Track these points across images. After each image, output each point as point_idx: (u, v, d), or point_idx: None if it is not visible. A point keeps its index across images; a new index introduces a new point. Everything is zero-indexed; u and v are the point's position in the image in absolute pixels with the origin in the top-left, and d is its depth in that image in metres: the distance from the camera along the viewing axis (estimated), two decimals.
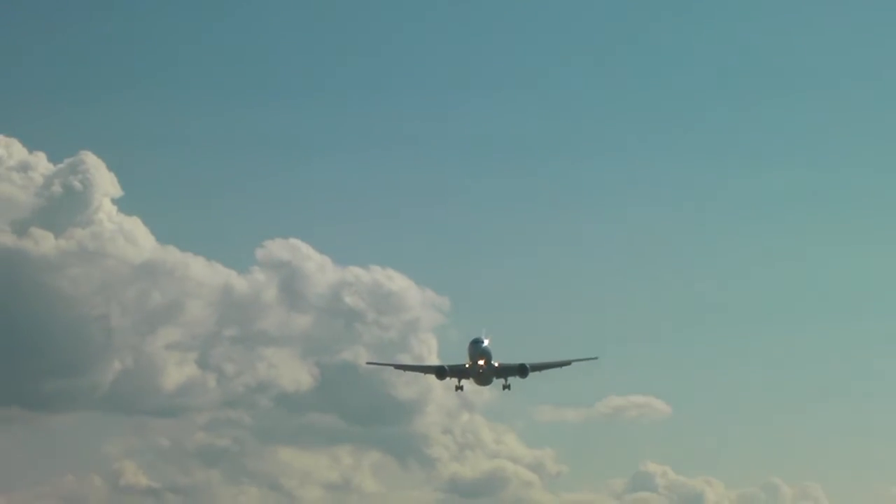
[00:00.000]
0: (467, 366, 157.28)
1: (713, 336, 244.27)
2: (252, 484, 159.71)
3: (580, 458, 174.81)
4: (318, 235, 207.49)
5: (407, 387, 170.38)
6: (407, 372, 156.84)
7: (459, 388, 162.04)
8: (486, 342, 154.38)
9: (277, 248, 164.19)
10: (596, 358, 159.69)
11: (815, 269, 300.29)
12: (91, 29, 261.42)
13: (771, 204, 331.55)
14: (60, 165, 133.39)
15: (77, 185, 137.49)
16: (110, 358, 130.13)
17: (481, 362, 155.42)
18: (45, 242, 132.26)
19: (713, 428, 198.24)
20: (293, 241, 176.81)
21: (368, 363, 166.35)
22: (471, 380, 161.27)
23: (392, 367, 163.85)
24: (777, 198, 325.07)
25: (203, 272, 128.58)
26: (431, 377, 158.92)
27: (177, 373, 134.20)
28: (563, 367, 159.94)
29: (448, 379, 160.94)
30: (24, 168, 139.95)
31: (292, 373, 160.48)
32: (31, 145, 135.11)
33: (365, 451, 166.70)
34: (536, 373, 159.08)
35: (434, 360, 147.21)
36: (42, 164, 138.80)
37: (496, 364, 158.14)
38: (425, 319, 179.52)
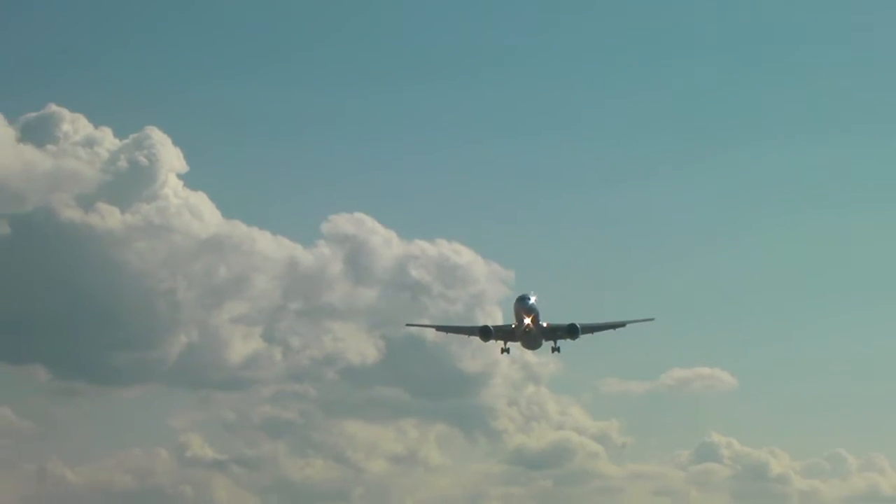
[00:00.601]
0: (514, 326, 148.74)
1: (778, 307, 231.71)
2: (318, 456, 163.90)
3: (645, 429, 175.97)
4: (384, 209, 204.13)
5: (472, 359, 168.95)
6: (464, 338, 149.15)
7: (506, 350, 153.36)
8: (532, 299, 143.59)
9: (343, 222, 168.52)
10: (653, 319, 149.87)
11: (882, 244, 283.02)
12: (156, 5, 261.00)
13: (840, 177, 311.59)
14: (126, 141, 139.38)
15: (143, 160, 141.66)
16: (177, 332, 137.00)
17: (528, 320, 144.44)
18: (111, 217, 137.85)
19: (778, 399, 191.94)
20: (358, 215, 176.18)
21: (408, 325, 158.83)
22: (518, 343, 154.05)
23: (435, 329, 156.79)
24: (849, 171, 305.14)
25: (269, 246, 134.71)
26: (476, 339, 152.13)
27: (243, 346, 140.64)
28: (618, 330, 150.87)
29: (493, 341, 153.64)
30: (90, 143, 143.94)
31: (358, 346, 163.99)
32: (97, 121, 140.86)
33: (430, 424, 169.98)
34: (589, 335, 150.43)
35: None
36: (108, 139, 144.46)
37: (544, 324, 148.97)
38: (490, 292, 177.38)
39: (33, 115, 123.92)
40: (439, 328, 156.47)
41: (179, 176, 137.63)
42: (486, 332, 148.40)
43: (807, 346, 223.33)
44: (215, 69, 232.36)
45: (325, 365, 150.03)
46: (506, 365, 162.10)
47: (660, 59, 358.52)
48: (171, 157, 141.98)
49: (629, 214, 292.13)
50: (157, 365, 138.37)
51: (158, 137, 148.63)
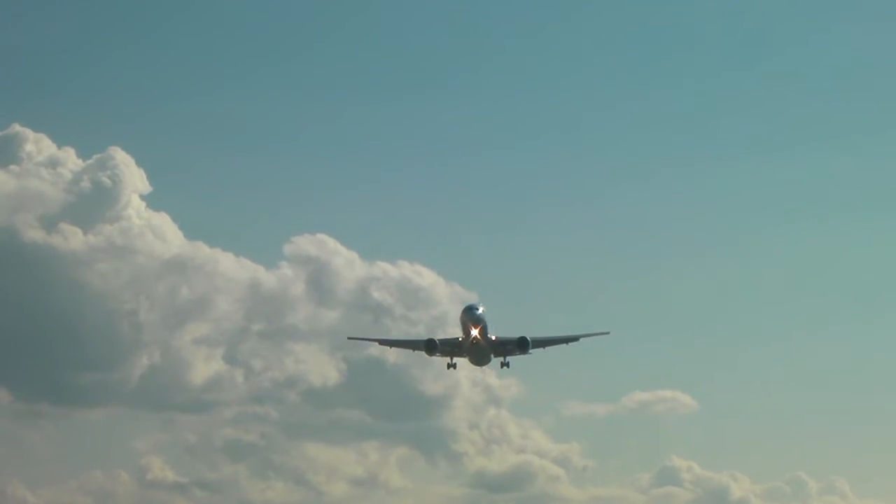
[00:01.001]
0: (460, 339, 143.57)
1: (739, 329, 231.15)
2: (279, 479, 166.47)
3: (606, 452, 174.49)
4: (346, 231, 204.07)
5: (434, 382, 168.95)
6: (425, 360, 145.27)
7: (452, 365, 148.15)
8: (480, 309, 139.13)
9: (305, 244, 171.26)
10: (607, 333, 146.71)
11: (844, 264, 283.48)
12: (118, 25, 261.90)
13: (798, 195, 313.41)
14: (90, 161, 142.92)
15: (106, 180, 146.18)
16: (139, 353, 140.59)
17: (475, 332, 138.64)
18: (73, 238, 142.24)
19: (739, 423, 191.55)
20: (321, 236, 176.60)
21: (350, 338, 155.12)
22: (466, 358, 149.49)
23: (378, 343, 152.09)
24: (805, 188, 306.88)
25: (231, 268, 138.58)
26: (435, 360, 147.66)
27: (204, 368, 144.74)
28: (581, 351, 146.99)
29: (440, 357, 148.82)
30: (53, 164, 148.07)
31: (320, 368, 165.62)
32: (60, 141, 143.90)
33: (392, 447, 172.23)
34: (541, 350, 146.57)
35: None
36: (72, 159, 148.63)
37: (493, 337, 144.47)
38: (453, 314, 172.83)
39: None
40: (382, 342, 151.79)
41: (142, 197, 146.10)
42: (431, 346, 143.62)
43: (768, 370, 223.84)
44: (179, 90, 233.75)
45: (287, 387, 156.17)
46: (467, 388, 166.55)
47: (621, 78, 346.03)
48: (134, 178, 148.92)
49: (594, 232, 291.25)
50: (119, 386, 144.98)
51: (122, 158, 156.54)
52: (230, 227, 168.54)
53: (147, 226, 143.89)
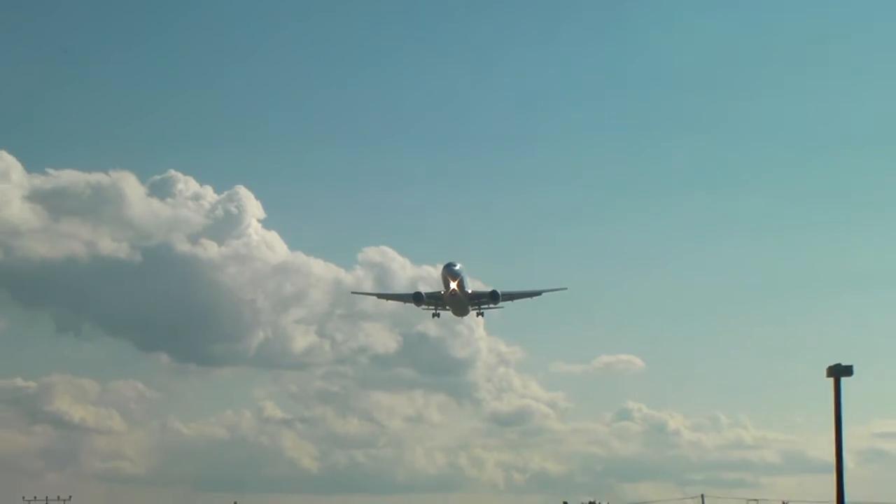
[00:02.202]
0: (442, 292, 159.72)
1: (679, 303, 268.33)
2: (354, 417, 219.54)
3: (581, 398, 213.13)
4: (401, 243, 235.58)
5: (462, 349, 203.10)
6: (458, 332, 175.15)
7: (436, 314, 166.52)
8: (458, 266, 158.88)
9: (372, 253, 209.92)
10: (566, 288, 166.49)
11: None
12: (237, 95, 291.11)
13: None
14: (222, 195, 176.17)
15: (234, 209, 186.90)
16: (257, 330, 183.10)
17: (454, 285, 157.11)
18: (211, 250, 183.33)
19: (676, 376, 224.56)
20: (383, 247, 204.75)
21: (353, 293, 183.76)
22: (449, 310, 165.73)
23: (376, 297, 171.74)
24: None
25: (321, 270, 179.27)
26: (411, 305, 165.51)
27: (303, 340, 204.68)
28: (535, 298, 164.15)
29: (426, 307, 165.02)
30: (196, 197, 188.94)
31: (383, 340, 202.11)
32: (202, 181, 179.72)
33: (432, 394, 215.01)
34: (509, 302, 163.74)
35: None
36: (209, 194, 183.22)
37: (469, 290, 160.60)
38: None
39: (158, 177, 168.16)
40: (380, 296, 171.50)
41: (259, 220, 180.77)
42: (418, 298, 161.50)
43: (699, 337, 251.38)
44: (288, 139, 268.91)
45: (360, 353, 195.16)
46: (485, 353, 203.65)
47: None
48: (253, 207, 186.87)
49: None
50: (243, 353, 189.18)
51: (244, 193, 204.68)
52: (320, 241, 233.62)
53: (262, 241, 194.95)
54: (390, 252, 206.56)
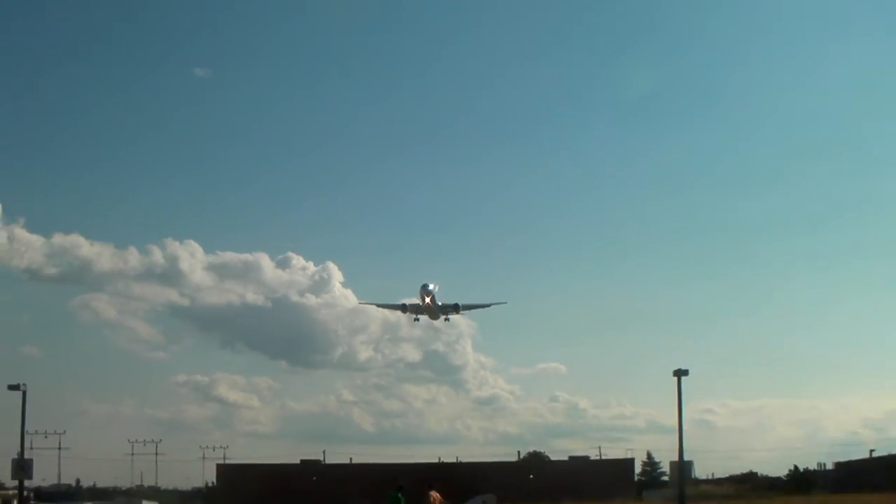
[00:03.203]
0: (420, 304, 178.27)
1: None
2: (395, 399, 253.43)
3: (529, 389, 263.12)
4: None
5: (459, 359, 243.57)
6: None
7: (416, 319, 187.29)
8: (431, 285, 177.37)
9: (412, 300, 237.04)
10: (505, 303, 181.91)
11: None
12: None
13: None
14: (318, 267, 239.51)
15: (325, 276, 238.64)
16: (338, 347, 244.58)
17: (428, 300, 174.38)
18: (312, 300, 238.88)
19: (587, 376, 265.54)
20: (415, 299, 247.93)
21: (360, 303, 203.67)
22: (425, 316, 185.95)
23: (376, 306, 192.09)
24: None
25: (376, 312, 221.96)
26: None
27: (364, 353, 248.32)
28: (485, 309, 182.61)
29: (409, 314, 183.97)
30: (303, 268, 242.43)
31: (412, 354, 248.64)
32: (306, 257, 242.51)
33: (440, 387, 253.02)
34: (467, 311, 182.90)
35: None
36: (311, 267, 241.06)
37: (440, 303, 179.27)
38: None
39: (280, 256, 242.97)
40: (380, 305, 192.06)
41: (340, 282, 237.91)
42: (403, 308, 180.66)
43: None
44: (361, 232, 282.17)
45: (398, 361, 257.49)
46: (472, 362, 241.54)
47: None
48: (336, 274, 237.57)
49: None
50: (330, 360, 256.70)
51: (332, 266, 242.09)
52: (375, 293, 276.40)
53: (342, 295, 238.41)
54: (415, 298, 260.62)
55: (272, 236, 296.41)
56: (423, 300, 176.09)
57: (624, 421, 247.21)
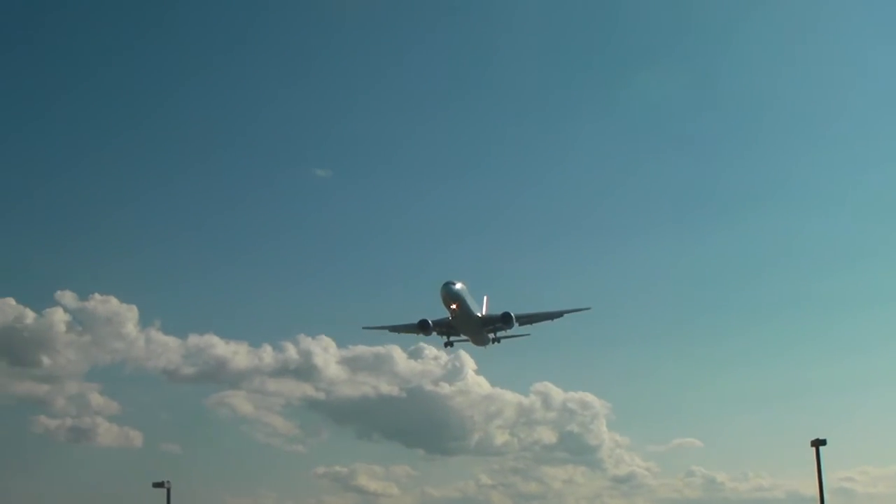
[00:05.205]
0: (450, 317, 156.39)
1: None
2: (532, 481, 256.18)
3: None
4: (557, 378, 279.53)
5: (594, 439, 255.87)
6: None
7: (449, 344, 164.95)
8: (457, 285, 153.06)
9: (540, 386, 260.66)
10: (589, 308, 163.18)
11: None
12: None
13: None
14: (451, 356, 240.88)
15: (458, 364, 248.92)
16: (474, 433, 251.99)
17: (454, 307, 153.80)
18: (446, 388, 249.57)
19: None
20: (546, 383, 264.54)
21: (364, 328, 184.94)
22: (466, 339, 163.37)
23: (387, 330, 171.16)
24: None
25: (509, 397, 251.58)
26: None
27: (500, 437, 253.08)
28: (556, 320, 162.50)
29: (437, 335, 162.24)
30: (436, 357, 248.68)
31: (548, 436, 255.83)
32: (438, 348, 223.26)
33: (577, 466, 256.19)
34: (529, 325, 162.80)
35: None
36: (443, 356, 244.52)
37: (479, 314, 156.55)
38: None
39: (413, 347, 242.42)
40: (391, 328, 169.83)
41: (473, 370, 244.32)
42: (423, 325, 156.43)
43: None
44: None
45: (534, 444, 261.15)
46: (608, 442, 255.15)
47: None
48: (469, 363, 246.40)
49: None
50: (467, 447, 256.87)
51: (465, 357, 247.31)
52: (507, 380, 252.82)
53: (475, 382, 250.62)
54: (552, 385, 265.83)
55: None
56: (448, 306, 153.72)
57: (763, 493, 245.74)
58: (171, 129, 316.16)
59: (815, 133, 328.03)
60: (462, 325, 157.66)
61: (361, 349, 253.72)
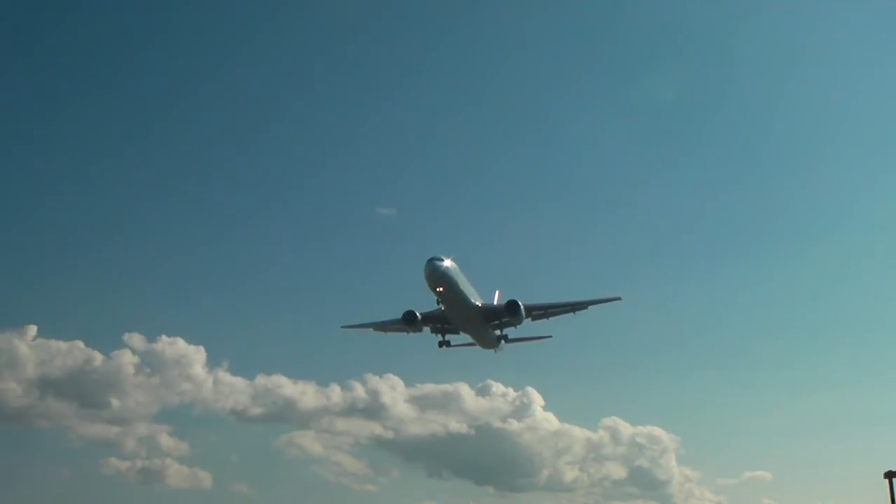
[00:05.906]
0: (442, 307, 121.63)
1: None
2: None
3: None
4: (625, 412, 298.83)
5: (664, 474, 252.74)
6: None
7: (445, 343, 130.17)
8: (446, 262, 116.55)
9: (608, 421, 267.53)
10: (619, 298, 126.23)
11: None
12: None
13: None
14: (519, 392, 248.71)
15: (525, 401, 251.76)
16: (543, 470, 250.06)
17: (440, 289, 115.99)
18: (515, 425, 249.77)
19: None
20: (615, 417, 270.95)
21: (343, 327, 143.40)
22: (473, 343, 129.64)
23: (371, 329, 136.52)
24: None
25: (577, 433, 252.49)
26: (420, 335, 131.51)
27: (570, 474, 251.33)
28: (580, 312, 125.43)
29: (430, 333, 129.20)
30: (503, 395, 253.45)
31: (617, 471, 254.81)
32: (505, 383, 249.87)
33: (648, 501, 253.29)
34: (543, 318, 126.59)
35: None
36: (511, 393, 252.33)
37: (477, 303, 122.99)
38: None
39: (480, 384, 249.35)
40: (375, 326, 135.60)
41: (541, 406, 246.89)
42: (409, 318, 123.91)
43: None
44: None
45: (604, 479, 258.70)
46: (677, 477, 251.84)
47: None
48: (537, 399, 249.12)
49: None
50: (536, 483, 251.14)
51: (532, 391, 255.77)
52: (576, 416, 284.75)
53: (543, 418, 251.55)
54: (620, 420, 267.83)
55: (470, 367, 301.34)
56: (433, 288, 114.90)
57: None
58: (238, 176, 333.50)
59: (882, 154, 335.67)
60: (457, 319, 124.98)
61: (429, 387, 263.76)
